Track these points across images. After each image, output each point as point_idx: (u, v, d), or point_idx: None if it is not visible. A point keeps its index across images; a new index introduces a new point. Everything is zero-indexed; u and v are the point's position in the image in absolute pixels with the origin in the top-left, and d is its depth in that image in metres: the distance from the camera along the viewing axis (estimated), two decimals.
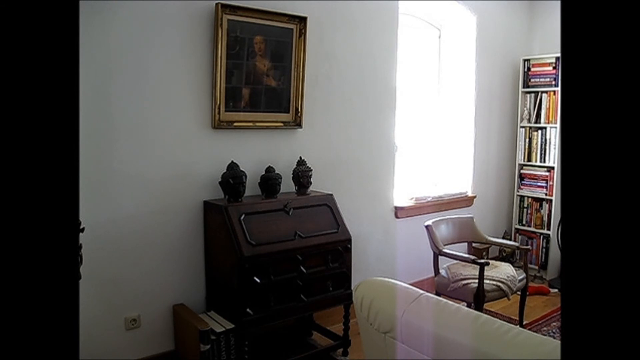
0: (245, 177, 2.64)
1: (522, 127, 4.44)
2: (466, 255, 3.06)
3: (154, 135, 2.53)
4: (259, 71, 2.81)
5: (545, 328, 3.36)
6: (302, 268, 2.58)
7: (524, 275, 3.11)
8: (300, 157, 2.96)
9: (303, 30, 2.89)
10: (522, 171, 4.49)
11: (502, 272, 3.03)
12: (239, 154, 2.78)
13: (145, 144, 2.50)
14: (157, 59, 2.49)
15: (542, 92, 4.30)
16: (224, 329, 2.47)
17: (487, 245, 3.96)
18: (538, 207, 4.39)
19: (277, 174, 2.78)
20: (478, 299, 2.84)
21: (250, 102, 2.81)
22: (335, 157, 3.28)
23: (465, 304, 2.84)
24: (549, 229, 4.28)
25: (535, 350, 1.13)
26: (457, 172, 4.29)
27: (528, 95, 4.41)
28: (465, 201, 4.18)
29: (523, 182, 4.49)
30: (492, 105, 4.35)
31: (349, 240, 2.78)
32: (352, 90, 3.31)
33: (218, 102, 2.66)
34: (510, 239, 4.50)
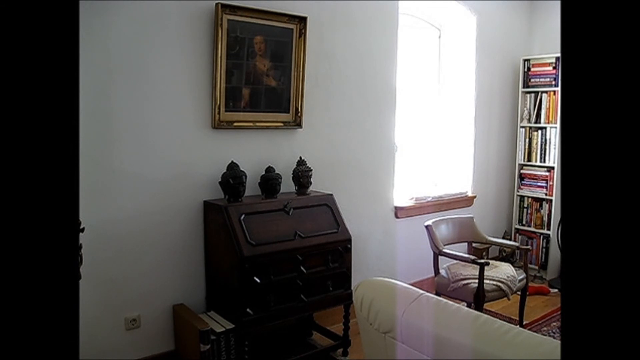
0: (245, 177, 2.64)
1: (522, 127, 4.44)
2: (466, 255, 3.06)
3: (154, 135, 2.53)
4: (259, 71, 2.81)
5: (545, 328, 3.36)
6: (302, 268, 2.58)
7: (524, 275, 3.11)
8: (300, 157, 2.96)
9: (303, 30, 2.89)
10: (522, 171, 4.49)
11: (502, 272, 3.03)
12: (239, 154, 2.78)
13: (145, 144, 2.50)
14: (157, 59, 2.49)
15: (542, 92, 4.30)
16: (224, 329, 2.47)
17: (487, 245, 3.96)
18: (538, 207, 4.39)
19: (277, 174, 2.78)
20: (478, 299, 2.83)
21: (250, 102, 2.81)
22: (335, 157, 3.28)
23: (465, 304, 2.84)
24: (549, 229, 4.28)
25: (535, 350, 1.13)
26: (457, 172, 4.29)
27: (528, 95, 4.41)
28: (465, 201, 4.18)
29: (523, 182, 4.49)
30: (492, 105, 4.35)
31: (349, 240, 2.78)
32: (352, 90, 3.31)
33: (218, 102, 2.66)
34: (510, 239, 4.50)
